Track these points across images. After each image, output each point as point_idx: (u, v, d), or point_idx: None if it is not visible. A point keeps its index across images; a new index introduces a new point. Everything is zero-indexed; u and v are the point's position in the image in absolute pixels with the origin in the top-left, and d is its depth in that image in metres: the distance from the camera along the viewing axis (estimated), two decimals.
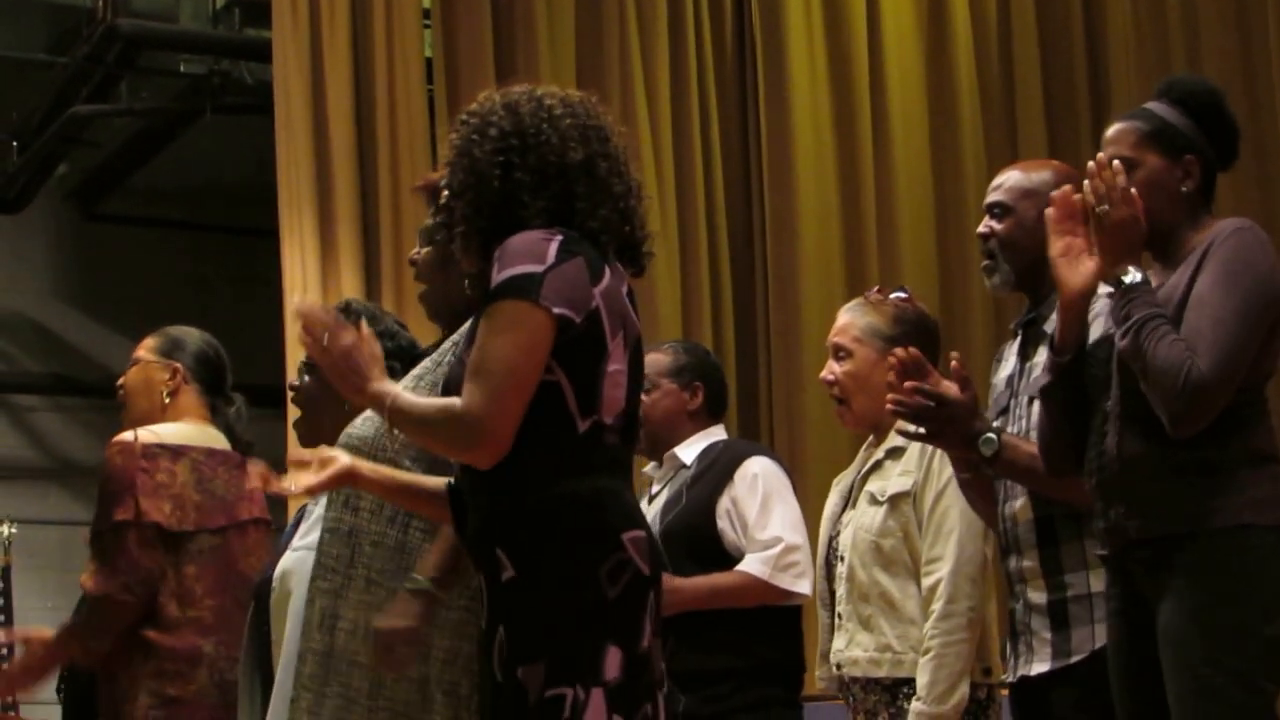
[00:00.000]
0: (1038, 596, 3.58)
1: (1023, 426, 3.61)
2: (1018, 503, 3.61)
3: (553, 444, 2.97)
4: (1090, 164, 3.34)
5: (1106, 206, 3.28)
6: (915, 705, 3.94)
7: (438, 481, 3.24)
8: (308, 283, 7.37)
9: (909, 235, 8.13)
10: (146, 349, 4.54)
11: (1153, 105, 3.43)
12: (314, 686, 3.50)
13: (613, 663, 2.90)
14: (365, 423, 3.54)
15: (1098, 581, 3.47)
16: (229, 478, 4.43)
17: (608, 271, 3.03)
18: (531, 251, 2.97)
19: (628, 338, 3.05)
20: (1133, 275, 3.26)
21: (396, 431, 3.28)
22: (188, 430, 4.40)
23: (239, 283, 9.70)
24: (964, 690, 3.95)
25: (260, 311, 7.61)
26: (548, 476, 2.96)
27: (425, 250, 3.72)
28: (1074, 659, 3.51)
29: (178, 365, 4.48)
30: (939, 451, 3.99)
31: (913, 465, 4.08)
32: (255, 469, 3.27)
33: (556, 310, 2.94)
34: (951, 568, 3.96)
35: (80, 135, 9.82)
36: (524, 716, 2.89)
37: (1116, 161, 3.32)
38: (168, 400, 4.45)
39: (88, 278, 11.14)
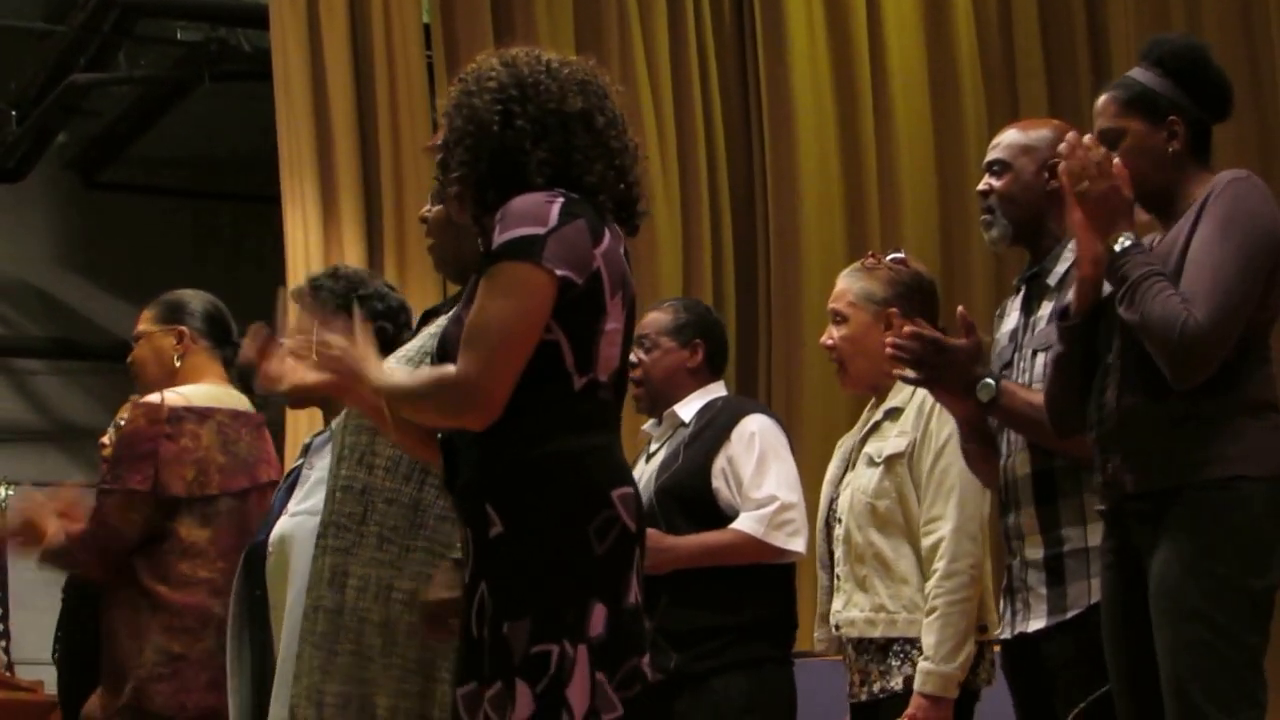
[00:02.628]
0: (1034, 552, 3.59)
1: (1026, 380, 3.63)
2: (1017, 458, 3.63)
3: (548, 401, 2.96)
4: (1062, 145, 3.38)
5: (1086, 183, 3.32)
6: (923, 664, 3.97)
7: None
8: (310, 248, 7.37)
9: (910, 195, 8.13)
10: (147, 321, 4.56)
11: (1134, 71, 3.46)
12: (324, 644, 3.52)
13: (598, 619, 2.90)
14: (422, 338, 3.55)
15: (1095, 536, 3.48)
16: (251, 440, 4.46)
17: (607, 233, 3.03)
18: (534, 213, 2.95)
19: (625, 297, 3.05)
20: (1123, 241, 3.28)
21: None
22: (213, 392, 4.43)
23: (239, 249, 9.73)
24: (970, 648, 3.98)
25: (261, 277, 7.63)
26: (542, 433, 2.95)
27: (436, 208, 3.71)
28: (1069, 614, 3.53)
29: (183, 329, 4.50)
30: (936, 412, 4.02)
31: (909, 426, 4.11)
32: (254, 331, 3.20)
33: (559, 272, 2.93)
34: (954, 526, 3.99)
35: (79, 104, 9.83)
36: (508, 673, 2.88)
37: (1088, 137, 3.35)
38: (178, 364, 4.48)
39: (88, 244, 11.19)
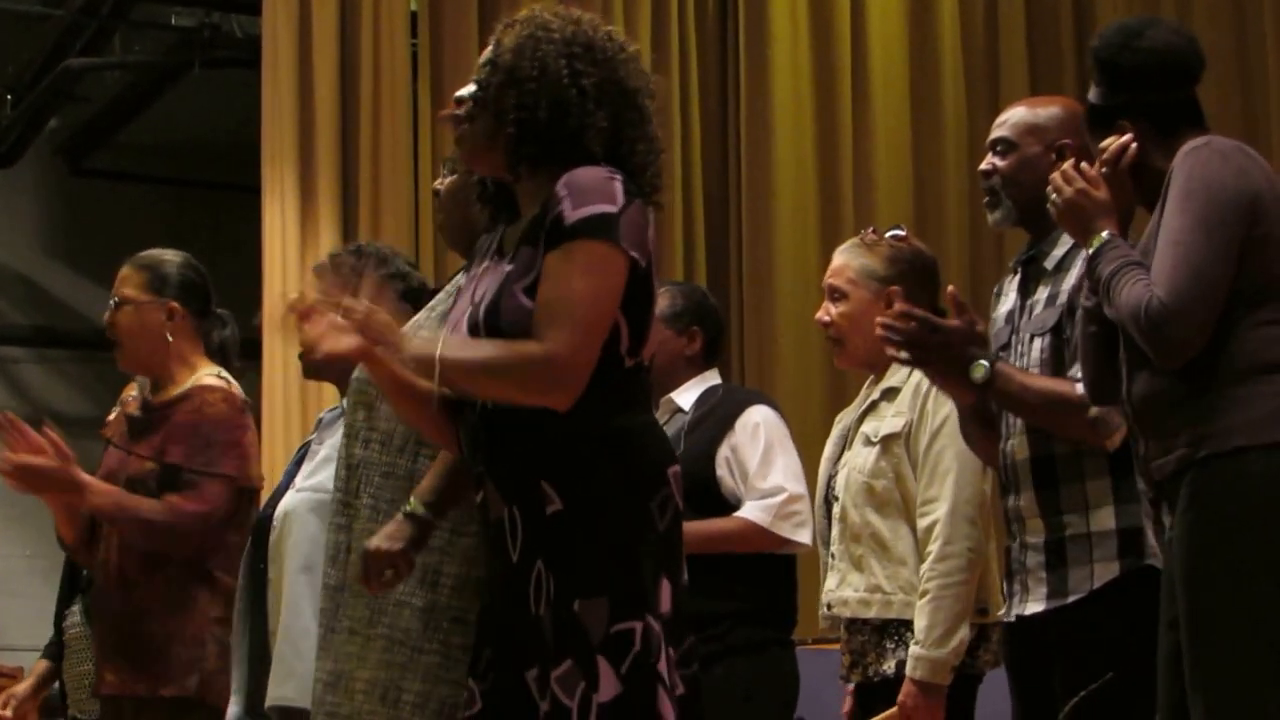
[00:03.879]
0: (1035, 536, 3.55)
1: (1023, 363, 3.59)
2: (1015, 440, 3.59)
3: (604, 381, 2.92)
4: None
5: (1054, 196, 3.33)
6: (914, 649, 3.94)
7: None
8: (287, 239, 7.39)
9: (885, 190, 8.14)
10: (132, 287, 4.41)
11: (1089, 92, 3.45)
12: (325, 621, 3.51)
13: (665, 595, 2.89)
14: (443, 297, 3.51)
15: (1098, 522, 3.47)
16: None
17: (650, 215, 3.00)
18: (604, 190, 2.91)
19: (657, 283, 3.05)
20: (1095, 242, 3.26)
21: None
22: (225, 379, 4.36)
23: (219, 238, 9.70)
24: (964, 633, 3.95)
25: (240, 267, 7.62)
26: (600, 412, 2.91)
27: (450, 179, 3.65)
28: (1070, 599, 3.49)
29: (172, 303, 4.38)
30: (933, 392, 4.00)
31: (906, 406, 4.09)
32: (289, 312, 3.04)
33: (632, 254, 2.91)
34: (948, 508, 3.96)
35: (72, 90, 9.78)
36: (585, 651, 2.84)
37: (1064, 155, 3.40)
38: (171, 341, 4.39)
39: (73, 232, 11.14)
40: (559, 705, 2.86)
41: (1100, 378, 3.37)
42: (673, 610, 2.89)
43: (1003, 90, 8.20)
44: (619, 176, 2.93)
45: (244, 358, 4.65)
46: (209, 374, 4.35)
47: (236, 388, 4.35)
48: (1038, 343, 3.57)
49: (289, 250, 7.34)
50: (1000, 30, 8.38)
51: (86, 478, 4.19)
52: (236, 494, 4.25)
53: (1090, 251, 3.26)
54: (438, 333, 3.14)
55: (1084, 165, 3.32)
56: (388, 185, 7.44)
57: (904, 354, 3.57)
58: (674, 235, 7.98)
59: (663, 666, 2.85)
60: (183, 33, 9.15)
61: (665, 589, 2.89)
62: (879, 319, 3.58)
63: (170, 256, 4.47)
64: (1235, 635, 3.09)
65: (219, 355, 4.45)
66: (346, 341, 2.91)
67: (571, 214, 2.89)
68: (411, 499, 3.28)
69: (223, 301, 4.61)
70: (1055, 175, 3.34)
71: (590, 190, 2.90)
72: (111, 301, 4.44)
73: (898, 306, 3.54)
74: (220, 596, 4.23)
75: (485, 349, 2.92)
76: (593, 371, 2.90)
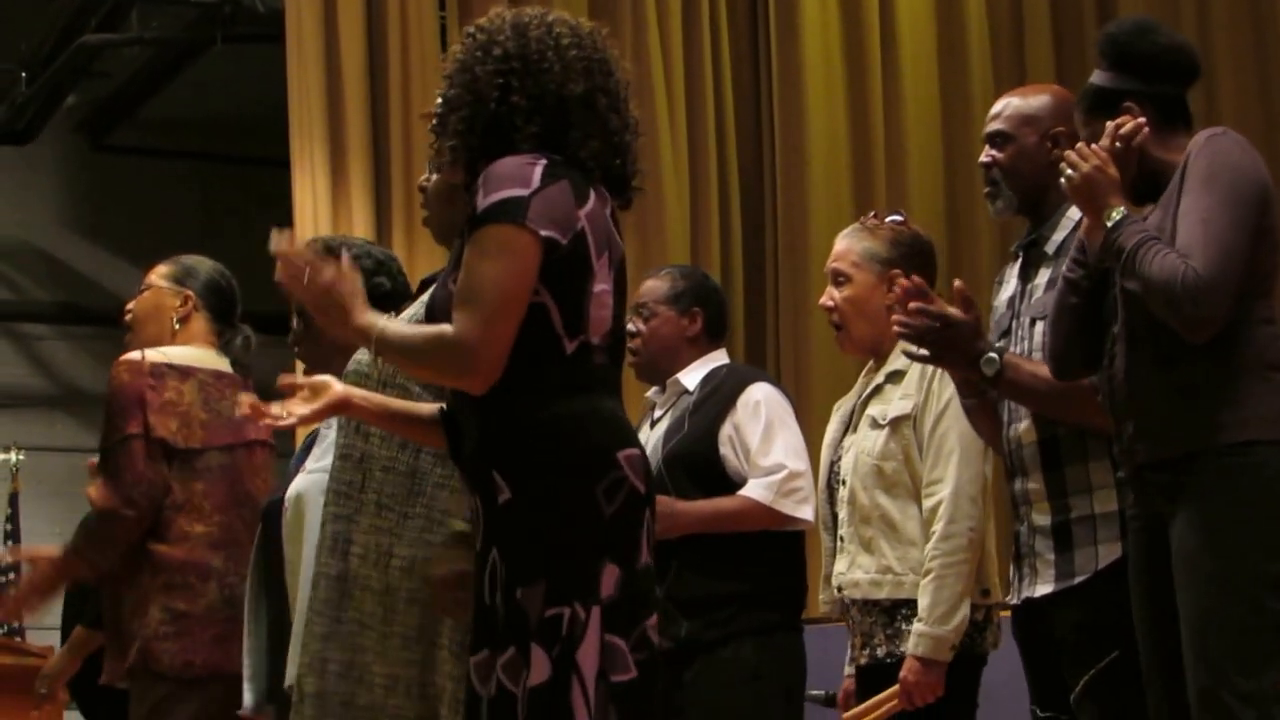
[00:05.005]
0: (1042, 519, 3.60)
1: (1025, 348, 3.63)
2: (1022, 425, 3.63)
3: (541, 365, 2.97)
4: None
5: (1070, 172, 3.35)
6: (917, 626, 3.98)
7: (431, 408, 3.23)
8: (319, 212, 7.39)
9: (916, 163, 8.14)
10: (158, 275, 4.54)
11: (1093, 75, 3.51)
12: (328, 611, 3.52)
13: (609, 580, 2.91)
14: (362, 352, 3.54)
15: (1101, 504, 3.52)
16: (235, 400, 4.45)
17: (592, 194, 3.03)
18: (516, 176, 2.97)
19: (613, 258, 3.06)
20: (1114, 216, 3.30)
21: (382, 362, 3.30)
22: (195, 353, 4.41)
23: (249, 213, 9.69)
24: (965, 611, 3.99)
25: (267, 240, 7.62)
26: (539, 397, 2.96)
27: (435, 177, 3.70)
28: (1076, 580, 3.54)
29: (189, 293, 4.48)
30: (939, 374, 4.03)
31: (913, 389, 4.12)
32: (245, 398, 3.23)
33: (544, 232, 2.95)
34: (952, 489, 4.00)
35: (89, 65, 9.79)
36: (524, 637, 2.90)
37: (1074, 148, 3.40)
38: (177, 326, 4.46)
39: (97, 208, 11.16)
40: (505, 692, 2.92)
41: (1068, 350, 3.44)
42: (620, 594, 2.92)
43: (1028, 60, 8.21)
44: (543, 160, 3.00)
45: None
46: (179, 350, 4.40)
47: (165, 355, 4.35)
48: (1039, 327, 3.61)
49: (321, 224, 7.34)
50: (1024, 3, 8.38)
51: None
52: (156, 449, 4.28)
53: (1109, 224, 3.30)
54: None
55: (1095, 145, 3.36)
56: (420, 156, 7.41)
57: (919, 350, 3.63)
58: (711, 223, 7.97)
59: (583, 654, 2.89)
60: (202, 8, 9.11)
61: (610, 574, 2.91)
62: (894, 318, 3.63)
63: (205, 261, 4.60)
64: (1237, 620, 3.16)
65: (233, 365, 4.49)
66: (318, 403, 3.12)
67: (480, 203, 2.97)
68: (450, 519, 3.38)
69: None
70: (1069, 153, 3.38)
71: (500, 177, 2.98)
72: (138, 290, 4.57)
73: (913, 305, 3.58)
74: (163, 568, 4.27)
75: (410, 333, 3.05)
76: (521, 357, 2.96)
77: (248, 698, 4.17)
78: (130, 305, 4.57)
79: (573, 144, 3.05)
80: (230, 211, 10.58)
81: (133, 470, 4.26)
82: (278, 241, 3.07)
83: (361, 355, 3.56)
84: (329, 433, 4.10)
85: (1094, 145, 3.37)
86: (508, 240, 2.94)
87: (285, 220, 7.36)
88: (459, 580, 3.27)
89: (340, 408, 3.17)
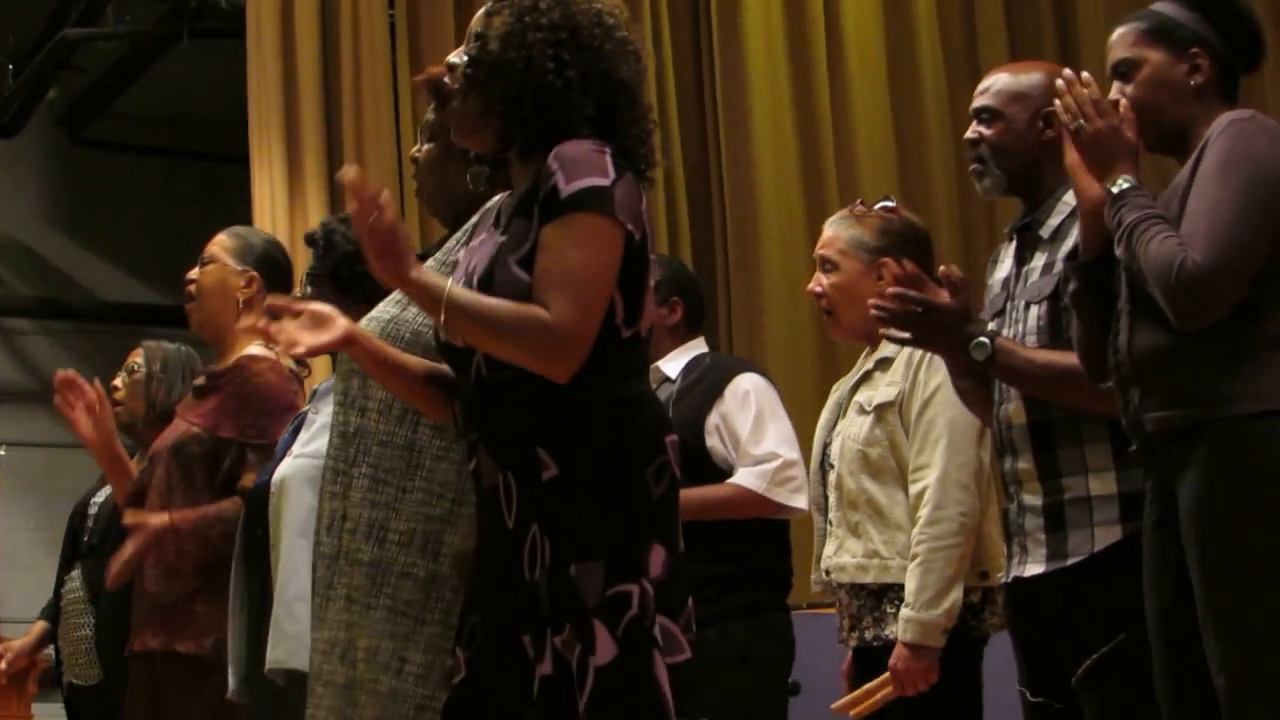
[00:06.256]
0: (1033, 499, 3.55)
1: (1019, 330, 3.59)
2: (1012, 405, 3.59)
3: (601, 351, 2.94)
4: (1059, 81, 3.31)
5: (1081, 122, 3.25)
6: (904, 612, 3.96)
7: (427, 365, 3.19)
8: (276, 208, 7.43)
9: (867, 160, 8.14)
10: (222, 249, 4.55)
11: (1157, 4, 3.39)
12: (321, 590, 3.50)
13: (657, 561, 2.89)
14: (387, 305, 3.49)
15: (1095, 485, 3.47)
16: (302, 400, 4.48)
17: (641, 189, 3.02)
18: (594, 164, 2.92)
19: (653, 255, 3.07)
20: (1121, 184, 3.22)
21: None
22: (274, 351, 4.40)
23: (211, 208, 9.73)
24: (956, 596, 3.96)
25: None
26: (598, 381, 2.94)
27: (427, 147, 3.65)
28: (1069, 561, 3.48)
29: (253, 273, 4.50)
30: (926, 362, 4.02)
31: (899, 376, 4.11)
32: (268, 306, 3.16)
33: (628, 226, 2.94)
34: (939, 474, 3.98)
35: (69, 59, 9.79)
36: (583, 616, 2.86)
37: (1085, 74, 3.29)
38: (241, 307, 4.47)
39: (75, 203, 11.18)
40: (562, 668, 2.89)
41: (1092, 340, 3.35)
42: (667, 576, 2.91)
43: (982, 57, 8.20)
44: (609, 149, 2.96)
45: None
46: (258, 345, 4.42)
47: (285, 359, 4.38)
48: (1033, 310, 3.57)
49: (278, 219, 7.38)
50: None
51: None
52: None
53: (1115, 191, 3.22)
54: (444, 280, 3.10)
55: (1124, 103, 3.27)
56: (371, 153, 7.48)
57: (899, 333, 3.59)
58: (657, 209, 7.98)
59: (656, 630, 2.87)
60: (173, 2, 9.13)
61: (658, 555, 2.90)
62: (871, 300, 3.60)
63: (260, 234, 4.65)
64: (1256, 587, 3.09)
65: None
66: (325, 336, 3.02)
67: (566, 187, 2.91)
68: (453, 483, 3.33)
69: None
70: (1086, 104, 3.26)
71: (582, 163, 2.92)
72: (200, 260, 4.56)
73: (890, 289, 3.54)
74: None
75: (495, 304, 2.92)
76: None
77: (231, 680, 4.20)
78: (193, 275, 4.56)
79: (619, 132, 3.02)
80: (194, 207, 10.62)
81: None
82: (349, 172, 2.94)
83: (375, 311, 3.50)
84: (316, 417, 4.13)
85: (1117, 102, 3.25)
86: (600, 230, 2.91)
87: (245, 218, 7.43)
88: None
89: (346, 343, 3.07)
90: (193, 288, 4.55)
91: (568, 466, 2.92)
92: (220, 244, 4.56)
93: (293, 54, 7.49)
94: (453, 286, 2.93)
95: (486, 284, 2.98)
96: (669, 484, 2.96)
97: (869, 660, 4.12)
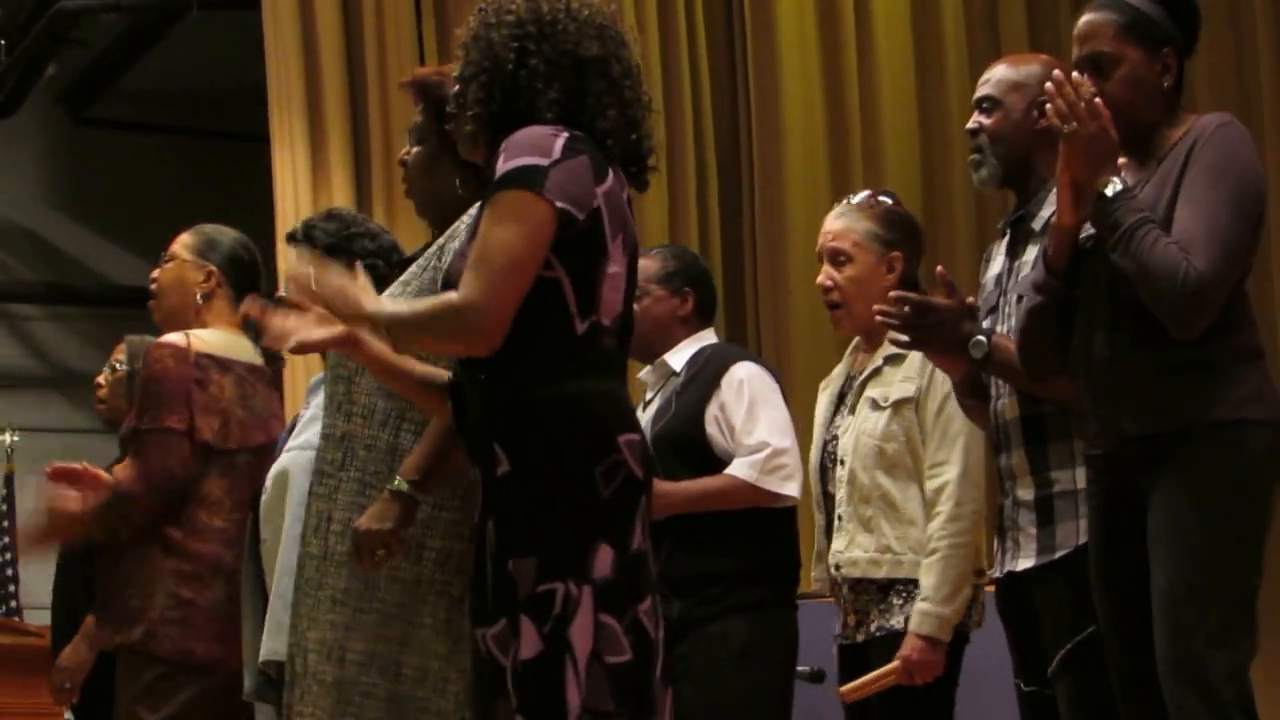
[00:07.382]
0: (1025, 493, 3.60)
1: (1012, 325, 3.61)
2: (1005, 400, 3.63)
3: (552, 342, 2.97)
4: (1049, 84, 3.30)
5: (1075, 124, 3.26)
6: (921, 605, 3.99)
7: (431, 370, 3.24)
8: (299, 186, 7.35)
9: (892, 138, 8.07)
10: (183, 246, 4.53)
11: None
12: (310, 590, 3.54)
13: (603, 561, 2.91)
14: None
15: (1084, 479, 3.48)
16: (265, 395, 4.46)
17: (610, 174, 3.03)
18: (537, 145, 2.96)
19: (627, 242, 3.06)
20: (1113, 186, 3.25)
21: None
22: (229, 340, 4.41)
23: (228, 188, 9.64)
24: (967, 591, 4.01)
25: (251, 217, 7.61)
26: (547, 374, 2.96)
27: (415, 150, 3.71)
28: (1058, 554, 3.53)
29: (213, 268, 4.47)
30: None
31: (914, 372, 4.12)
32: (252, 304, 3.24)
33: (559, 204, 2.94)
34: (959, 471, 4.01)
35: (67, 33, 9.61)
36: (513, 609, 2.91)
37: (1075, 74, 3.30)
38: (201, 303, 4.46)
39: (79, 184, 11.08)
40: (495, 664, 2.95)
41: (1039, 345, 3.41)
42: (615, 576, 2.92)
43: (1003, 36, 8.16)
44: (565, 133, 2.99)
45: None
46: (215, 336, 4.40)
47: (207, 344, 4.35)
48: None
49: (302, 202, 7.30)
50: None
51: None
52: (196, 449, 4.29)
53: (1108, 194, 3.24)
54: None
55: (1099, 103, 3.26)
56: (398, 129, 7.39)
57: (903, 336, 3.62)
58: (688, 200, 7.92)
59: (575, 632, 2.89)
60: None
61: (605, 555, 2.92)
62: (876, 308, 3.64)
63: (227, 232, 4.58)
64: (1217, 592, 3.17)
65: (254, 340, 4.47)
66: (321, 332, 3.05)
67: (499, 169, 2.96)
68: (397, 478, 3.38)
69: None
70: (1078, 106, 3.25)
71: (521, 145, 2.97)
72: (161, 258, 4.55)
73: (892, 293, 3.60)
74: (176, 555, 4.27)
75: (415, 304, 3.05)
76: (532, 332, 2.95)
77: (247, 683, 4.18)
78: (155, 274, 4.56)
79: (590, 111, 3.04)
80: (209, 187, 10.51)
81: (163, 463, 4.25)
82: (290, 280, 3.06)
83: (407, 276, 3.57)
84: (305, 411, 4.15)
85: (1097, 102, 3.25)
86: (522, 206, 2.93)
87: (266, 195, 7.35)
88: (377, 539, 3.31)
89: (349, 341, 3.12)
90: (153, 286, 4.55)
91: (519, 462, 2.96)
92: (181, 241, 4.54)
93: (312, 24, 7.37)
94: (389, 309, 3.01)
95: (447, 277, 3.10)
96: (623, 483, 2.96)
97: (867, 651, 4.13)
